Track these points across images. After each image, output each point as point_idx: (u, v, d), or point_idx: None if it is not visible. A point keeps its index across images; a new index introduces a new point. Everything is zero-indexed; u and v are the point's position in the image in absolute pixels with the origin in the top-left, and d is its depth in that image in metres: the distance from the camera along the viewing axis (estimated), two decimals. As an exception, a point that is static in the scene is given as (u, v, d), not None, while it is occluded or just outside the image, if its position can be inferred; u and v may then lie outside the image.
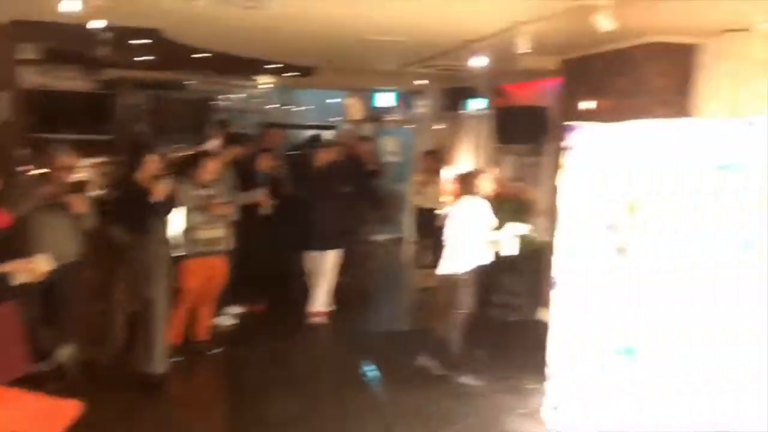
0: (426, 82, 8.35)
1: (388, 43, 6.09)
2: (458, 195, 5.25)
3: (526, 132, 6.94)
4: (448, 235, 5.10)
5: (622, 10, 3.96)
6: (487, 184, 5.11)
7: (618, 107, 5.41)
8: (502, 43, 4.99)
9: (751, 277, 3.96)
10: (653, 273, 3.94)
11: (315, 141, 8.33)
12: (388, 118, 11.08)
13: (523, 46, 4.63)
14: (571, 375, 4.10)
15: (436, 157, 8.36)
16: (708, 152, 3.76)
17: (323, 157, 6.51)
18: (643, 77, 5.24)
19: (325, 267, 6.51)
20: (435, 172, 8.02)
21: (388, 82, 9.88)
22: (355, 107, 11.37)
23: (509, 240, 4.89)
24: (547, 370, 4.36)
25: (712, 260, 3.94)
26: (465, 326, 5.10)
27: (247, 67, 8.71)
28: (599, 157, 3.83)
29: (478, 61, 5.48)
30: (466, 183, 5.15)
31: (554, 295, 4.34)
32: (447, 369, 5.10)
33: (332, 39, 5.94)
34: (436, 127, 9.88)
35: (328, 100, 13.28)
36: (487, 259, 5.10)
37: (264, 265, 6.30)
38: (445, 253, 5.08)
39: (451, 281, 5.02)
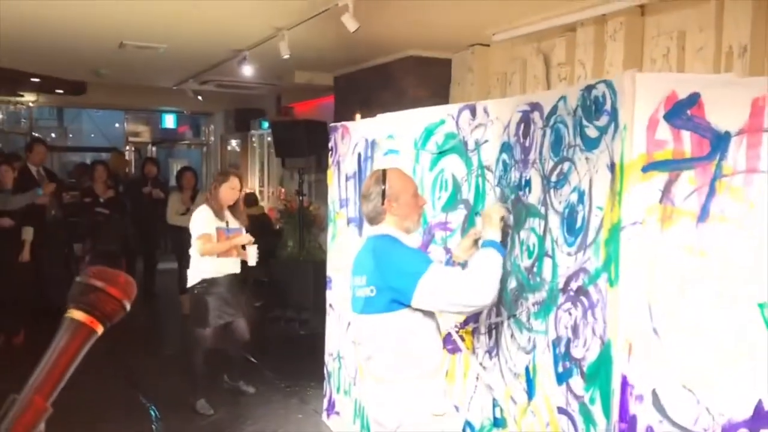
0: (200, 98, 8.15)
1: (157, 57, 5.90)
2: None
3: (305, 146, 7.06)
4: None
5: (378, 24, 4.20)
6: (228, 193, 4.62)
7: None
8: (269, 53, 5.05)
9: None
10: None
11: (87, 166, 7.88)
12: (178, 140, 10.71)
13: (286, 52, 4.70)
14: (343, 375, 4.16)
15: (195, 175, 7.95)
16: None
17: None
18: (404, 89, 5.56)
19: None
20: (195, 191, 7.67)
21: (171, 102, 9.57)
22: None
23: (252, 251, 4.61)
24: (325, 374, 4.44)
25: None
26: (220, 339, 4.75)
27: (7, 80, 7.94)
28: (352, 154, 3.96)
29: (248, 71, 5.48)
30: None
31: (329, 298, 4.42)
32: (232, 380, 4.98)
33: (92, 47, 5.62)
34: (225, 147, 9.71)
35: (117, 124, 12.58)
36: (234, 268, 4.67)
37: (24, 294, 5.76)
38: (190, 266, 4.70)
39: (196, 295, 4.63)
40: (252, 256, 4.62)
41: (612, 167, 2.00)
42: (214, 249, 4.52)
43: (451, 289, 2.20)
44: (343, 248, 4.09)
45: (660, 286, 1.96)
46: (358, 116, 5.87)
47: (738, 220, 1.95)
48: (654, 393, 1.97)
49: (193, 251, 4.58)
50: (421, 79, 5.51)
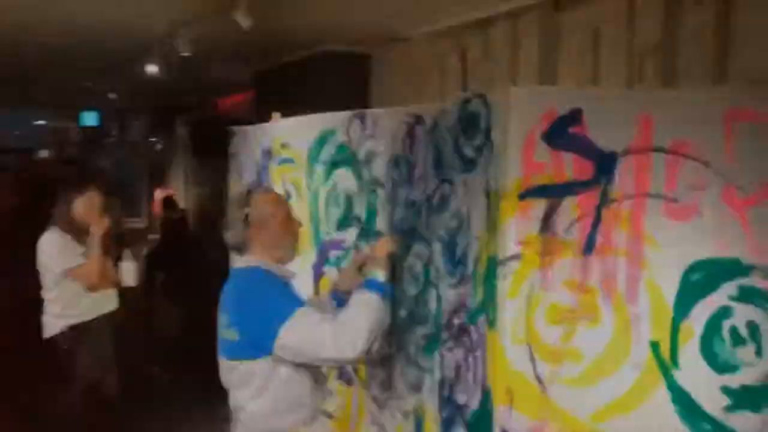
0: (114, 96, 7.72)
1: (60, 49, 5.49)
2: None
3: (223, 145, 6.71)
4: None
5: (290, 17, 3.91)
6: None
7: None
8: (173, 47, 4.71)
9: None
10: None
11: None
12: (99, 138, 10.20)
13: (185, 48, 4.37)
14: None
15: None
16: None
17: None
18: (324, 86, 5.27)
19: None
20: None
21: (91, 100, 9.07)
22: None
23: (127, 268, 3.77)
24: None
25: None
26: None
27: None
28: (252, 162, 3.66)
29: (153, 68, 5.11)
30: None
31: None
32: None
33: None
34: (147, 146, 9.27)
35: (35, 122, 11.92)
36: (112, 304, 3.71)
37: None
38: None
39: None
40: (128, 274, 3.81)
41: (487, 193, 1.76)
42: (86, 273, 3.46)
43: (315, 340, 1.92)
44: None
45: (542, 328, 1.73)
46: (275, 116, 5.58)
47: (626, 250, 1.74)
48: None
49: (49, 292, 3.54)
50: (340, 76, 5.22)
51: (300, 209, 2.99)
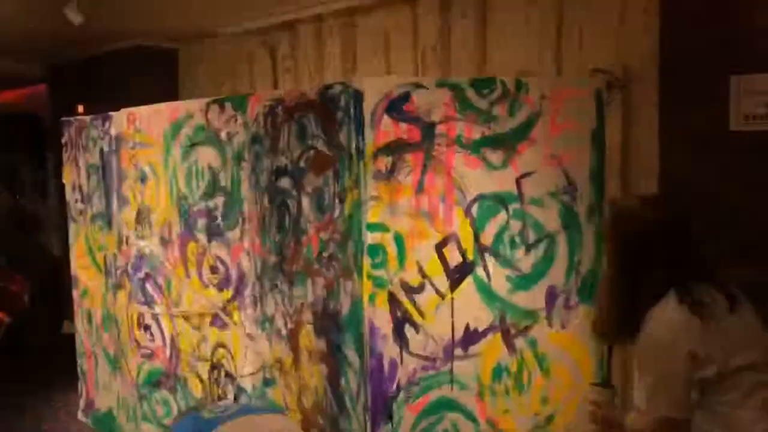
0: None
1: None
2: None
3: (12, 140, 6.55)
4: None
5: (95, 10, 4.12)
6: None
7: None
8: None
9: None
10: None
11: None
12: None
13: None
14: (100, 372, 4.16)
15: None
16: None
17: None
18: (131, 80, 5.50)
19: None
20: None
21: None
22: None
23: None
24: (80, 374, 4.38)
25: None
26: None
27: None
28: (94, 148, 3.94)
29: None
30: None
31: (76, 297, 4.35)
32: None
33: None
34: None
35: None
36: None
37: None
38: None
39: None
40: None
41: (350, 155, 2.46)
42: None
43: None
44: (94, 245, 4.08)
45: (392, 247, 2.49)
46: (80, 108, 5.68)
47: (443, 190, 2.55)
48: (394, 332, 2.50)
49: None
50: (148, 70, 5.51)
51: (159, 187, 3.44)
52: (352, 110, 2.42)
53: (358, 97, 2.40)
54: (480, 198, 2.63)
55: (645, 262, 1.93)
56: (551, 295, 2.78)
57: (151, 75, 5.51)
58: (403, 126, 2.47)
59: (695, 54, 2.85)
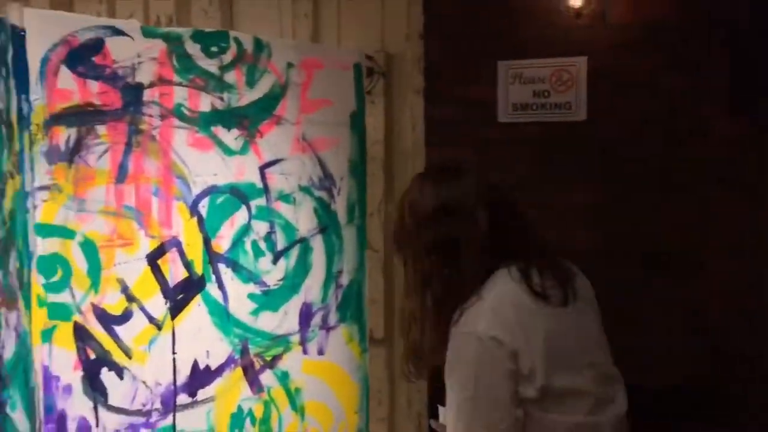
0: None
1: None
2: None
3: None
4: None
5: None
6: None
7: None
8: None
9: None
10: None
11: None
12: None
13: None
14: None
15: None
16: None
17: None
18: None
19: None
20: None
21: None
22: None
23: None
24: None
25: None
26: None
27: None
28: None
29: None
30: None
31: None
32: None
33: None
34: None
35: None
36: None
37: None
38: None
39: None
40: None
41: (7, 122, 1.66)
42: None
43: None
44: None
45: (80, 259, 1.73)
46: None
47: (158, 178, 1.85)
48: (84, 380, 1.73)
49: None
50: None
51: None
52: (9, 56, 1.62)
53: (17, 37, 1.61)
54: (212, 191, 1.98)
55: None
56: (306, 315, 2.21)
57: None
58: (94, 85, 1.73)
59: (461, 40, 2.64)
